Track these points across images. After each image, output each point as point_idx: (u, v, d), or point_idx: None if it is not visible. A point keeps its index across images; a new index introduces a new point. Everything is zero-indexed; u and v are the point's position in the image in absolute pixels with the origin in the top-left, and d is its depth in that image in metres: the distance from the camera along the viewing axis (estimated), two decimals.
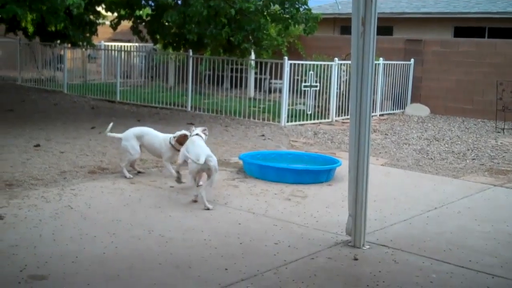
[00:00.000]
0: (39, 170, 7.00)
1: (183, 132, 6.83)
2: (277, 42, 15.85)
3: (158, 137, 7.05)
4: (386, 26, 19.34)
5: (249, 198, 6.33)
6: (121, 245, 4.68)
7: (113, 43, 18.57)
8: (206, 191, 5.89)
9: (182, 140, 6.68)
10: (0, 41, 19.25)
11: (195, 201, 5.98)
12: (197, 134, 6.33)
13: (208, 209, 5.77)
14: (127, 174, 6.89)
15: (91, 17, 14.15)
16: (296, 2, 12.90)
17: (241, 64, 14.91)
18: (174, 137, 6.86)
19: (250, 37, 12.92)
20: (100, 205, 5.74)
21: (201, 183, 6.09)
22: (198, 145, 6.10)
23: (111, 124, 7.12)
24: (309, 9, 13.24)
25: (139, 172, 7.17)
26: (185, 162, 6.25)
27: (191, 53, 13.76)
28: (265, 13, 12.91)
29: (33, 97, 14.97)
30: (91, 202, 5.81)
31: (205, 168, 5.90)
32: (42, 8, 10.81)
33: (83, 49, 16.68)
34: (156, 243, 4.79)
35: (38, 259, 4.28)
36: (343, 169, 6.96)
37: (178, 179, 6.50)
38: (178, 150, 6.66)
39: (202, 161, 5.80)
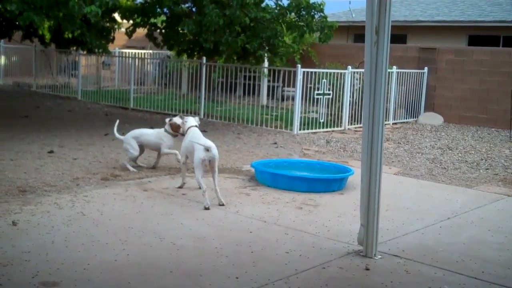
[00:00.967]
0: (52, 177, 7.05)
1: (175, 121, 7.54)
2: (293, 49, 15.87)
3: (152, 133, 7.95)
4: (399, 34, 19.31)
5: (260, 206, 6.33)
6: (133, 252, 4.69)
7: (127, 50, 18.71)
8: (217, 184, 6.31)
9: (175, 128, 7.53)
10: (16, 48, 19.47)
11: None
12: (196, 126, 6.81)
13: (223, 204, 6.17)
14: (131, 168, 7.67)
15: (108, 24, 14.28)
16: (312, 10, 12.93)
17: (254, 72, 14.94)
18: (169, 120, 7.66)
19: (265, 44, 12.95)
20: (112, 212, 5.76)
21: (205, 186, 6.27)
22: (201, 136, 6.62)
23: (117, 122, 8.12)
24: (325, 17, 13.25)
25: (139, 166, 7.91)
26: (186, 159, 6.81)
27: (204, 61, 13.81)
28: (280, 21, 12.95)
29: (48, 103, 15.10)
30: (104, 209, 5.84)
31: (210, 157, 6.22)
32: (59, 15, 10.92)
33: (98, 56, 16.81)
34: (168, 250, 4.79)
35: (50, 265, 4.30)
36: (355, 178, 6.94)
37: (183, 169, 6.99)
38: (174, 135, 7.62)
39: (213, 146, 6.23)
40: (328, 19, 13.66)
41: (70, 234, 5.05)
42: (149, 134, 7.93)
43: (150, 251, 4.76)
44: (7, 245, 4.67)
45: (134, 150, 7.75)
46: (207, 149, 6.21)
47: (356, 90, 13.21)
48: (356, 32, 20.95)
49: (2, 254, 4.48)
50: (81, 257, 4.50)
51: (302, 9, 12.87)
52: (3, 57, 20.28)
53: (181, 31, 13.62)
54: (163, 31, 14.16)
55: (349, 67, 13.13)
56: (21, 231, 5.05)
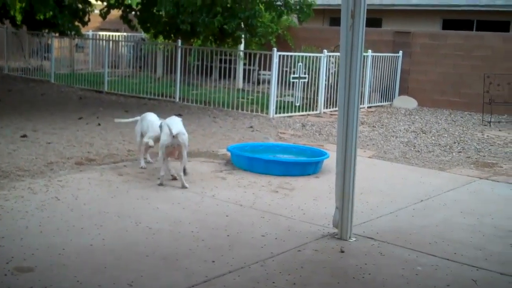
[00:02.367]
0: (25, 161, 6.97)
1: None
2: (272, 29, 15.77)
3: (154, 119, 7.01)
4: (375, 18, 19.39)
5: (236, 190, 6.34)
6: (108, 237, 4.68)
7: (101, 32, 18.47)
8: (182, 169, 6.33)
9: None
10: None
11: (160, 184, 6.31)
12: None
13: (185, 187, 6.19)
14: (141, 163, 7.02)
15: (80, 6, 14.08)
16: None
17: (230, 55, 14.88)
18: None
19: (243, 25, 12.88)
20: (87, 197, 5.73)
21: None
22: (175, 122, 6.44)
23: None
24: None
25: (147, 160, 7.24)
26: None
27: (179, 44, 13.70)
28: (258, 1, 12.90)
29: (20, 86, 14.86)
30: (78, 194, 5.80)
31: (175, 144, 6.21)
32: None
33: (71, 39, 16.57)
34: (144, 235, 4.79)
35: (25, 251, 4.27)
36: (330, 161, 6.99)
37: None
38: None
39: (174, 133, 6.12)
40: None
41: (44, 219, 5.01)
42: (148, 119, 6.97)
43: (126, 235, 4.75)
44: None
45: (136, 136, 7.09)
46: (174, 136, 6.16)
47: (332, 74, 13.25)
48: (332, 15, 20.98)
49: None
50: (56, 242, 4.48)
51: None
52: None
53: (157, 13, 13.48)
54: (138, 13, 14.00)
55: (325, 50, 13.15)
56: None
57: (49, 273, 3.94)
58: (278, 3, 13.08)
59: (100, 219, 5.08)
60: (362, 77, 13.34)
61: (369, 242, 4.94)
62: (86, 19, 14.18)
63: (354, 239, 4.98)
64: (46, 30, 15.55)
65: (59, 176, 6.39)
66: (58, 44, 17.15)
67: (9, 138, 8.27)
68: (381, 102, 15.08)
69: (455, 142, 10.20)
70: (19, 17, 14.32)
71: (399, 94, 15.55)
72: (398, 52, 15.50)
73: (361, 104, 13.90)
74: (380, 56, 14.81)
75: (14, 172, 6.44)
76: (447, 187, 7.03)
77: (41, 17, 13.19)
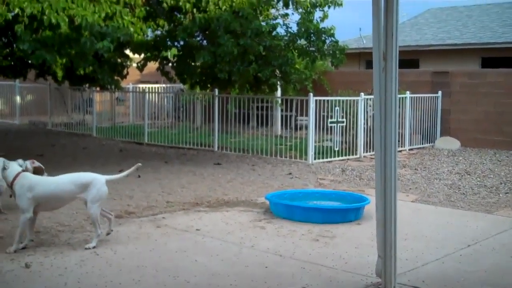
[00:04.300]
0: (66, 216, 7.01)
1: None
2: (305, 75, 15.81)
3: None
4: (412, 59, 19.28)
5: (276, 239, 6.22)
6: None
7: (141, 85, 18.85)
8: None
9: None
10: (31, 87, 19.72)
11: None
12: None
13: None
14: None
15: (119, 60, 14.39)
16: (323, 35, 12.91)
17: (267, 102, 14.93)
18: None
19: (277, 71, 12.94)
20: (125, 251, 5.69)
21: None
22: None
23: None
24: (336, 41, 13.23)
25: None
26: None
27: (216, 93, 13.83)
28: (291, 48, 12.97)
29: (63, 141, 15.18)
30: (117, 248, 5.77)
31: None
32: (71, 53, 11.03)
33: (112, 92, 16.92)
34: None
35: None
36: (372, 207, 6.80)
37: None
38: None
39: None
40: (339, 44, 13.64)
41: (83, 275, 4.98)
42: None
43: None
44: None
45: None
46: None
47: (370, 117, 13.12)
48: (367, 58, 20.94)
49: None
50: None
51: (312, 34, 12.87)
52: (18, 97, 20.52)
53: (192, 64, 13.67)
54: (174, 64, 14.23)
55: (362, 93, 13.07)
56: (34, 273, 5.00)
57: None
58: (312, 48, 13.10)
59: (138, 274, 5.02)
60: (401, 118, 13.26)
61: None
62: (125, 72, 14.47)
63: None
64: (87, 85, 15.92)
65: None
66: (99, 98, 17.57)
67: None
68: (422, 143, 14.82)
69: (501, 183, 9.87)
70: (60, 73, 14.68)
71: (441, 135, 15.26)
72: (437, 92, 15.30)
73: (402, 146, 13.79)
74: (419, 97, 14.64)
75: (55, 227, 6.48)
76: (495, 230, 6.75)
77: (82, 72, 13.51)
